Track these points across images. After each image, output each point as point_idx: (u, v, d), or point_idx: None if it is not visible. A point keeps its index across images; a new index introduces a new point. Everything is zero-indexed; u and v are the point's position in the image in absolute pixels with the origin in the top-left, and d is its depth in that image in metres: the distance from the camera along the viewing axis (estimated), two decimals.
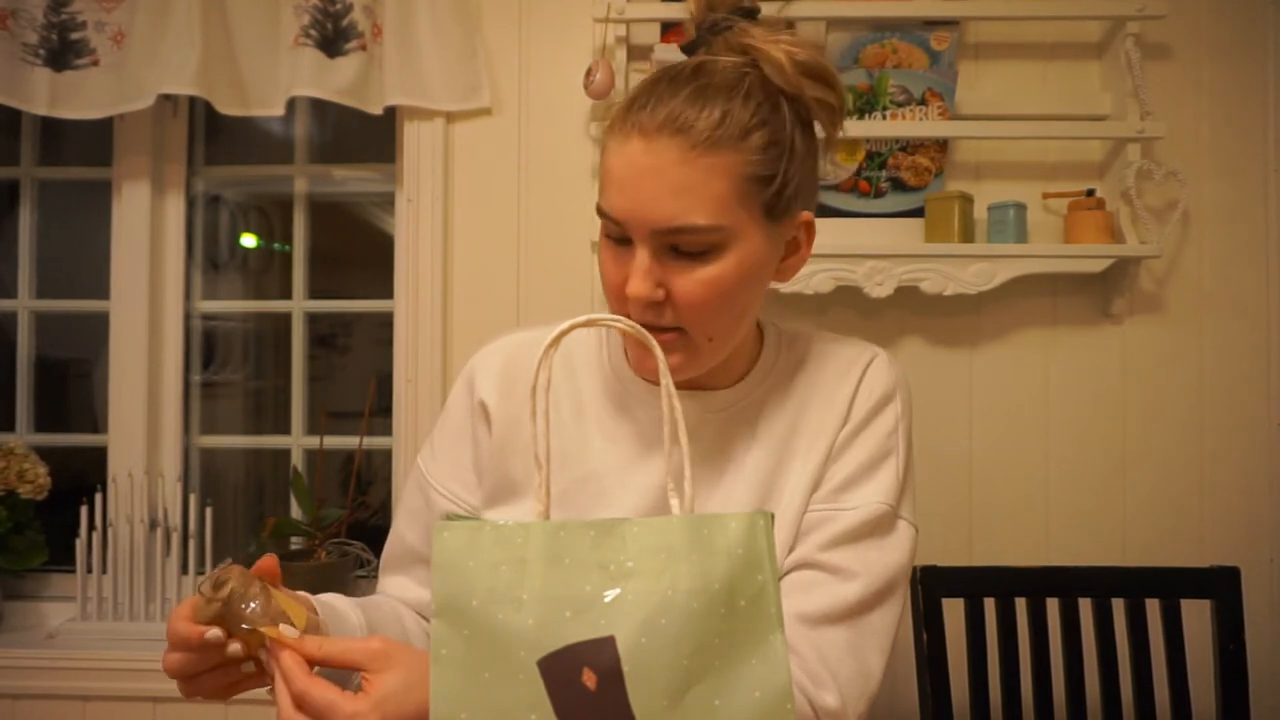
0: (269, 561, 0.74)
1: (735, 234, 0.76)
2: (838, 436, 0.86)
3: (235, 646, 0.69)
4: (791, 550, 0.84)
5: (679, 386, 0.86)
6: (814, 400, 0.87)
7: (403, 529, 0.96)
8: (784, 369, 0.90)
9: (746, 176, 0.75)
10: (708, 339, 0.80)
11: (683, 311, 0.77)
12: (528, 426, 0.88)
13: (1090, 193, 1.54)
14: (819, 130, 0.83)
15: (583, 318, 0.67)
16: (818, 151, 0.83)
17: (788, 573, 0.83)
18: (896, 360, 0.91)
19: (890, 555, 0.83)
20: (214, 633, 0.68)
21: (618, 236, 0.78)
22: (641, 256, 0.76)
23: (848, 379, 0.88)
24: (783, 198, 0.78)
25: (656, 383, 0.86)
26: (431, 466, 0.94)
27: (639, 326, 0.68)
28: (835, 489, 0.84)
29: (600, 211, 0.78)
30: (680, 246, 0.76)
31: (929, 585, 1.33)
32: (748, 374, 0.89)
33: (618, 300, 0.80)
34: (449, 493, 0.92)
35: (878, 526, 0.83)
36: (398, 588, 0.95)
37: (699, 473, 0.86)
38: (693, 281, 0.76)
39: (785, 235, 0.81)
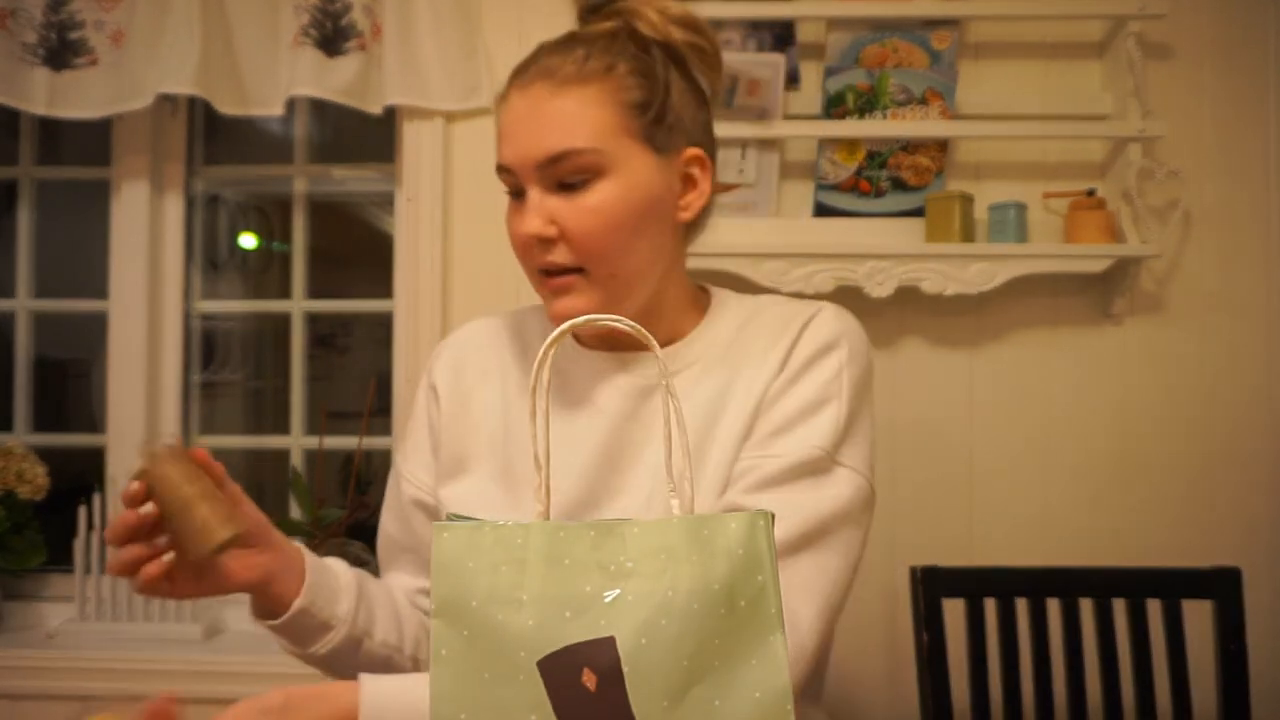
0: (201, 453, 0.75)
1: (616, 159, 0.79)
2: (771, 386, 0.83)
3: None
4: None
5: (601, 346, 0.88)
6: (752, 353, 0.86)
7: (385, 523, 0.98)
8: (723, 328, 0.89)
9: (620, 102, 0.79)
10: (610, 275, 0.81)
11: (576, 243, 0.80)
12: (476, 404, 0.91)
13: (1091, 192, 1.53)
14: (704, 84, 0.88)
15: (582, 318, 0.67)
16: (704, 99, 0.87)
17: None
18: (849, 313, 0.88)
19: (822, 497, 0.78)
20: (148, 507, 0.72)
21: (514, 190, 0.82)
22: (531, 196, 0.80)
23: (787, 332, 0.85)
24: (663, 126, 0.81)
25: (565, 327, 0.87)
26: (400, 458, 0.97)
27: (638, 326, 0.66)
28: (766, 436, 0.81)
29: (497, 170, 0.83)
30: (564, 178, 0.79)
31: (929, 585, 1.33)
32: (682, 340, 0.89)
33: (523, 253, 0.83)
34: (414, 478, 0.95)
35: (809, 470, 0.79)
36: (392, 581, 0.98)
37: (633, 433, 0.85)
38: (580, 210, 0.79)
39: (676, 169, 0.84)
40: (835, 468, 0.80)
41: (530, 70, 0.81)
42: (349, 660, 0.84)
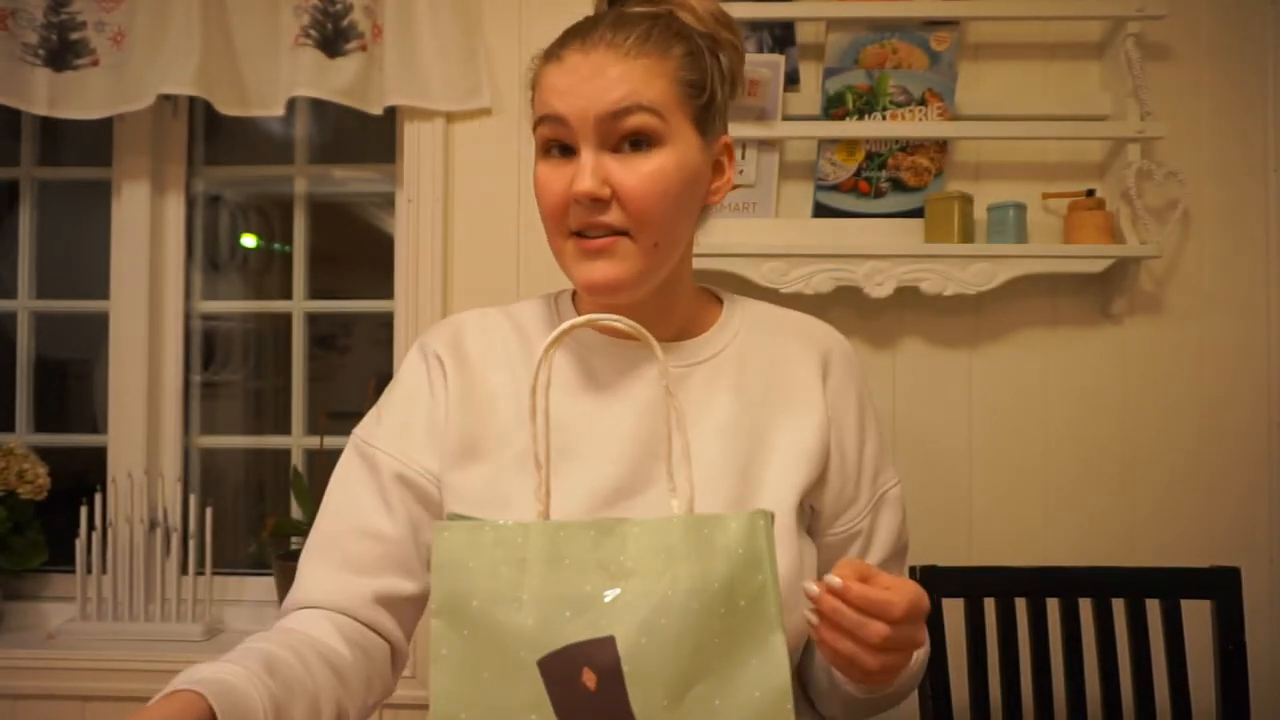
0: None
1: (673, 132, 0.80)
2: (831, 423, 0.89)
3: None
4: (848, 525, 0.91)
5: (626, 336, 0.81)
6: (787, 376, 0.90)
7: (346, 514, 0.87)
8: (740, 327, 0.92)
9: (679, 80, 0.81)
10: (652, 244, 0.81)
11: (629, 205, 0.79)
12: (484, 388, 0.87)
13: (1090, 193, 1.54)
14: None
15: (584, 317, 0.67)
16: (729, 94, 0.90)
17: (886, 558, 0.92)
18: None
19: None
20: None
21: (557, 145, 0.81)
22: (586, 155, 0.79)
23: (813, 355, 0.91)
24: (711, 109, 0.84)
25: (599, 300, 0.84)
26: (376, 432, 0.90)
27: (639, 326, 0.66)
28: (872, 476, 0.92)
29: (541, 121, 0.82)
30: (626, 136, 0.79)
31: (929, 585, 1.33)
32: (709, 330, 0.92)
33: (559, 213, 0.82)
34: (397, 453, 0.87)
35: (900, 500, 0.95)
36: (323, 589, 0.84)
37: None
38: (637, 174, 0.79)
39: (713, 154, 0.86)
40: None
41: (592, 36, 0.81)
42: None
